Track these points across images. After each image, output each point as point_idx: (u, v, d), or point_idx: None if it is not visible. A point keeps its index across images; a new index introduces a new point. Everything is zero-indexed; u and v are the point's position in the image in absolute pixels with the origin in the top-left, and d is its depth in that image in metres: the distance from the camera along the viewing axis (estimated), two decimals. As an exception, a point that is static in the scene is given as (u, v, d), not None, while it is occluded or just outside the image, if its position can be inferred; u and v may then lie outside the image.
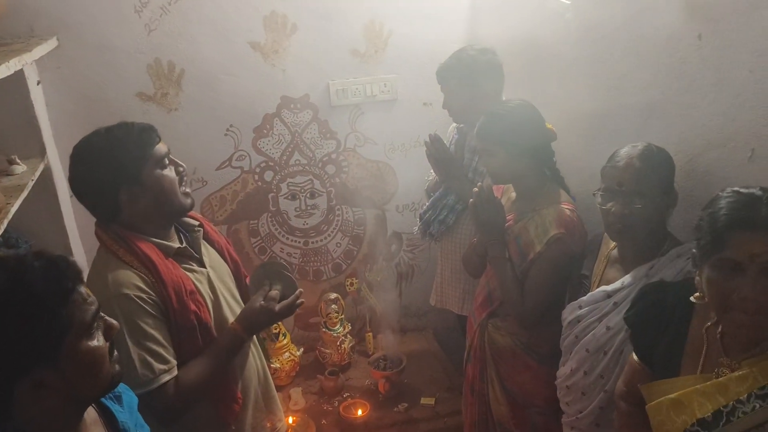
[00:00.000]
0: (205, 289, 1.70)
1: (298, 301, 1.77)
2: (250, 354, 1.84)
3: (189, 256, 1.71)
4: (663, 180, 1.62)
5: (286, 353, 2.87)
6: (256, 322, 1.72)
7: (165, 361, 1.54)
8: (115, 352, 1.14)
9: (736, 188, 1.22)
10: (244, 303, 1.83)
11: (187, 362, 1.60)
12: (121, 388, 1.29)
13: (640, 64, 1.88)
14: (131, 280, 1.52)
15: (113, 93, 2.58)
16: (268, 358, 1.96)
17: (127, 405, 1.27)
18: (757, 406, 1.18)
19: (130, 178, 1.56)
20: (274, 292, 1.74)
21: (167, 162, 1.62)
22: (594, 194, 1.69)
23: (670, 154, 1.65)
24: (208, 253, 1.80)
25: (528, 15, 2.48)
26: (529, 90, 2.39)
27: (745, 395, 1.20)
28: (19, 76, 2.19)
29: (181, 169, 1.67)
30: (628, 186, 1.60)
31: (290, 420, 2.60)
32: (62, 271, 1.04)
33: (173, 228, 1.71)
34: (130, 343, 1.49)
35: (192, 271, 1.69)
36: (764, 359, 1.21)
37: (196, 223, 1.80)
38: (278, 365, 2.82)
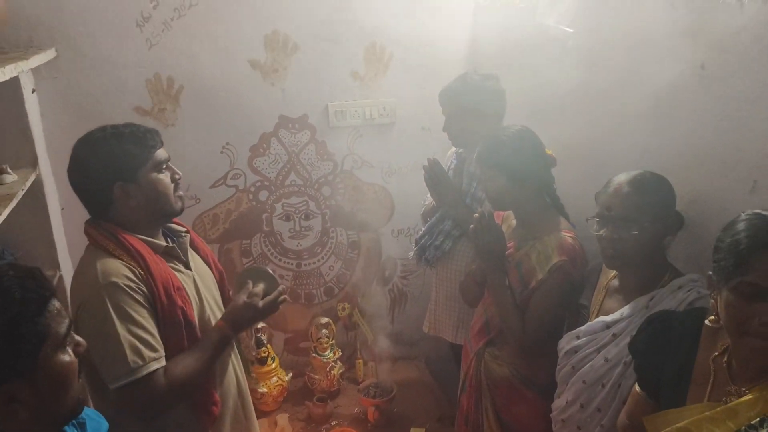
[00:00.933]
0: (190, 290, 1.70)
1: (281, 297, 1.79)
2: (230, 364, 1.83)
3: (176, 256, 1.73)
4: (656, 206, 1.60)
5: (274, 377, 2.81)
6: (241, 319, 1.73)
7: (154, 350, 1.54)
8: (80, 379, 1.10)
9: (757, 210, 1.19)
10: None
11: (173, 357, 1.59)
12: (88, 414, 1.25)
13: (641, 93, 1.87)
14: (121, 270, 1.54)
15: (110, 106, 2.57)
16: (248, 371, 1.94)
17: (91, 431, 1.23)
18: None
19: (126, 175, 1.59)
20: (257, 289, 1.76)
21: (165, 167, 1.66)
22: (587, 220, 1.69)
23: (672, 182, 1.63)
24: (194, 259, 1.81)
25: (528, 44, 2.49)
26: (529, 119, 2.38)
27: (757, 420, 1.15)
28: (14, 84, 2.18)
29: (177, 176, 1.71)
30: (616, 211, 1.60)
31: (275, 447, 2.53)
32: (38, 281, 1.03)
33: (160, 232, 1.73)
34: (120, 330, 1.49)
35: (178, 271, 1.70)
36: None
37: (183, 229, 1.82)
38: (265, 390, 2.76)
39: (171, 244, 1.72)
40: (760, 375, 1.18)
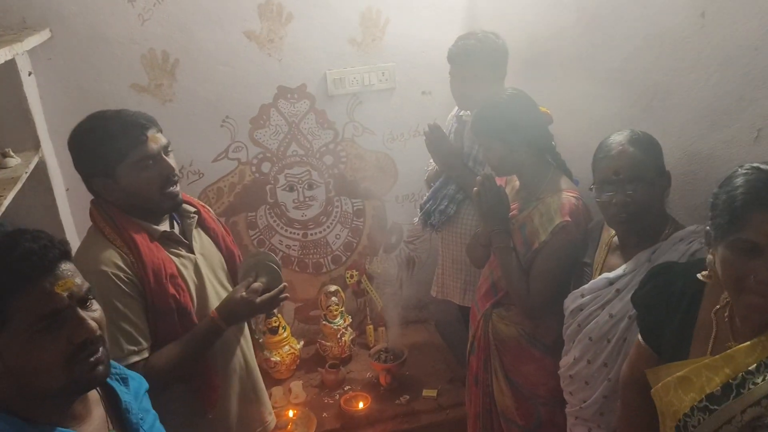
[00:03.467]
0: (189, 274, 1.69)
1: (282, 295, 1.77)
2: (234, 343, 1.83)
3: (176, 240, 1.71)
4: (655, 162, 1.60)
5: (286, 346, 2.84)
6: (236, 313, 1.71)
7: (135, 342, 1.54)
8: (95, 356, 1.07)
9: (755, 164, 1.16)
10: None
11: (163, 345, 1.60)
12: (130, 373, 1.27)
13: (642, 46, 1.84)
14: (111, 258, 1.54)
15: (107, 84, 2.55)
16: (261, 347, 1.95)
17: (133, 389, 1.24)
18: None
19: (104, 171, 1.57)
20: (257, 285, 1.73)
21: (151, 163, 1.59)
22: (590, 189, 1.66)
23: (673, 137, 1.62)
24: (201, 239, 1.79)
25: (528, 1, 2.44)
26: (530, 76, 2.36)
27: (754, 365, 1.15)
28: (11, 67, 2.16)
29: (166, 172, 1.62)
30: (625, 173, 1.57)
31: (291, 413, 2.58)
32: (23, 258, 1.00)
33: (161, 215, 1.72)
34: None
35: (178, 255, 1.69)
36: None
37: (192, 209, 1.79)
38: (278, 358, 2.80)
39: (170, 229, 1.69)
40: (760, 330, 1.17)
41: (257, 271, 1.77)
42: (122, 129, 1.56)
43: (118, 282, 1.52)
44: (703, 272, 1.27)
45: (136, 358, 1.53)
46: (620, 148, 1.59)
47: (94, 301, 1.10)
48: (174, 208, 1.69)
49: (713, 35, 1.59)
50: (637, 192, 1.56)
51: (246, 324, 1.90)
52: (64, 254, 1.05)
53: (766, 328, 1.17)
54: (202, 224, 1.82)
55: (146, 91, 2.61)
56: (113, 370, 1.19)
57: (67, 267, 1.05)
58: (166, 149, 1.64)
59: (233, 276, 1.88)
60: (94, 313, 1.08)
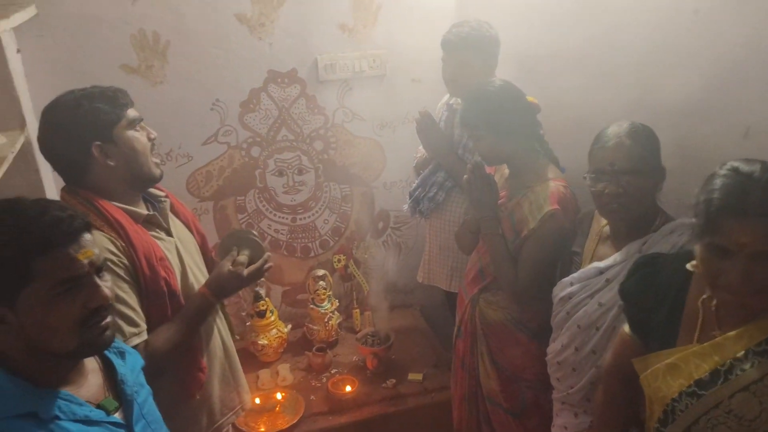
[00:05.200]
0: (173, 258, 1.70)
1: (267, 264, 1.80)
2: (215, 327, 1.85)
3: (157, 224, 1.71)
4: (652, 156, 1.62)
5: (274, 330, 2.85)
6: (225, 287, 1.74)
7: (135, 324, 1.54)
8: (105, 321, 1.15)
9: (735, 164, 1.20)
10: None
11: (155, 328, 1.61)
12: (127, 348, 1.33)
13: (633, 41, 1.87)
14: (102, 243, 1.51)
15: (96, 65, 2.51)
16: (232, 332, 1.97)
17: (129, 363, 1.29)
18: (756, 362, 1.18)
19: (103, 135, 1.56)
20: (242, 257, 1.76)
21: (138, 127, 1.63)
22: (584, 177, 1.68)
23: (665, 130, 1.64)
24: (175, 224, 1.80)
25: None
26: (521, 68, 2.37)
27: (743, 352, 1.20)
28: (-4, 44, 2.12)
29: (152, 136, 1.67)
30: (620, 164, 1.59)
31: (279, 396, 2.60)
32: (54, 224, 1.06)
33: (141, 198, 1.71)
34: None
35: (160, 239, 1.69)
36: (760, 319, 1.21)
37: (162, 194, 1.79)
38: (266, 342, 2.81)
39: (152, 212, 1.69)
40: (742, 322, 1.23)
41: (239, 245, 1.80)
42: (111, 94, 1.59)
43: (113, 267, 1.51)
44: (692, 262, 1.31)
45: (137, 340, 1.54)
46: (617, 139, 1.61)
47: (106, 273, 1.17)
48: (161, 176, 1.70)
49: (706, 32, 1.63)
50: (631, 184, 1.58)
51: (219, 307, 1.90)
52: (87, 226, 1.13)
53: (751, 317, 1.22)
54: (172, 209, 1.82)
55: (136, 72, 2.57)
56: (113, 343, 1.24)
57: (88, 237, 1.12)
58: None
59: (206, 260, 1.90)
60: (106, 283, 1.15)
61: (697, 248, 1.24)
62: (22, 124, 2.27)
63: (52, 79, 2.44)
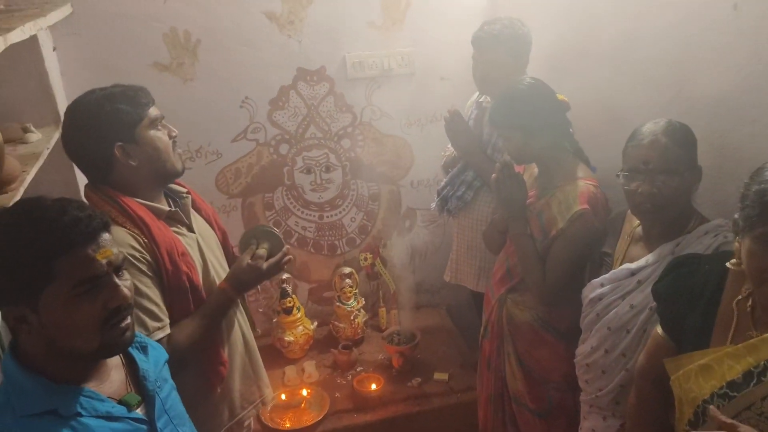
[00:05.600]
0: (195, 253, 1.71)
1: (286, 258, 1.81)
2: (235, 322, 1.86)
3: (179, 220, 1.73)
4: (688, 155, 1.58)
5: (300, 327, 2.87)
6: (245, 281, 1.75)
7: (158, 319, 1.56)
8: (125, 323, 1.15)
9: None
10: None
11: (178, 323, 1.62)
12: (151, 343, 1.34)
13: (670, 37, 1.83)
14: (124, 239, 1.53)
15: (129, 62, 2.55)
16: (253, 326, 1.99)
17: (152, 358, 1.30)
18: None
19: (125, 135, 1.57)
20: (261, 251, 1.78)
21: (160, 125, 1.64)
22: (617, 175, 1.64)
23: (701, 129, 1.61)
24: (196, 220, 1.81)
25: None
26: (553, 66, 2.34)
27: None
28: (33, 42, 2.16)
29: (174, 134, 1.68)
30: (655, 164, 1.56)
31: (304, 392, 2.61)
32: (73, 224, 1.06)
33: (162, 194, 1.72)
34: None
35: (182, 235, 1.70)
36: None
37: (184, 190, 1.81)
38: (292, 338, 2.83)
39: (174, 208, 1.71)
40: None
41: (258, 239, 1.81)
42: (132, 93, 1.60)
43: (135, 262, 1.53)
44: (732, 260, 1.27)
45: (160, 335, 1.56)
46: (653, 137, 1.57)
47: (125, 272, 1.17)
48: (183, 170, 1.71)
49: (745, 27, 1.58)
50: (666, 184, 1.55)
51: (240, 301, 1.91)
52: (105, 225, 1.13)
53: None
54: (194, 206, 1.83)
55: (168, 69, 2.60)
56: (136, 338, 1.25)
57: (107, 237, 1.12)
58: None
59: (228, 256, 1.92)
60: (126, 282, 1.15)
61: (741, 243, 1.20)
62: (57, 121, 2.31)
63: (86, 76, 2.48)
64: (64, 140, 1.62)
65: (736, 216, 1.23)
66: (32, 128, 2.13)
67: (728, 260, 1.30)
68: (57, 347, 1.09)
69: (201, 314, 1.67)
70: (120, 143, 1.57)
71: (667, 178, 1.55)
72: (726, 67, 1.65)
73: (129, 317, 1.16)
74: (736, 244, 1.23)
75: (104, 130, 1.56)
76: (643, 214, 1.65)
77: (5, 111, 2.23)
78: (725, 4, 1.62)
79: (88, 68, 2.50)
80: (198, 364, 1.71)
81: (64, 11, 2.34)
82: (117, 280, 1.12)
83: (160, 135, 1.63)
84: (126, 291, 1.13)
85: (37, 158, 1.98)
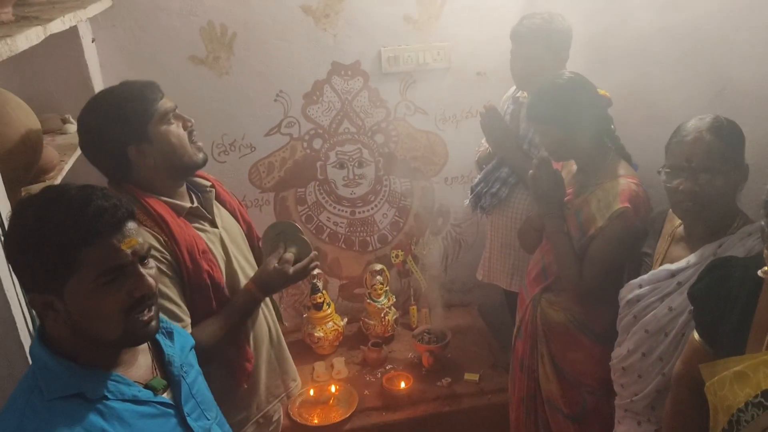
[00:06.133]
0: (217, 249, 1.70)
1: (312, 263, 1.80)
2: (261, 316, 1.85)
3: (201, 216, 1.71)
4: (736, 153, 1.52)
5: (330, 323, 2.86)
6: (271, 284, 1.74)
7: (179, 320, 1.55)
8: (150, 314, 1.15)
9: None
10: (257, 264, 1.86)
11: (201, 322, 1.62)
12: (177, 329, 1.35)
13: (715, 31, 1.76)
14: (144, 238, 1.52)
15: (166, 55, 2.57)
16: (280, 318, 1.98)
17: (178, 343, 1.31)
18: None
19: (137, 135, 1.56)
20: (289, 255, 1.76)
21: (172, 118, 1.61)
22: (659, 172, 1.60)
23: (746, 125, 1.54)
24: (220, 214, 1.80)
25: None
26: (594, 60, 2.28)
27: None
28: (73, 33, 2.20)
29: (189, 124, 1.65)
30: (698, 161, 1.51)
31: (333, 388, 2.60)
32: (98, 214, 1.06)
33: (185, 187, 1.71)
34: None
35: (204, 231, 1.69)
36: None
37: (208, 183, 1.79)
38: (322, 334, 2.82)
39: (195, 204, 1.69)
40: None
41: (285, 241, 1.80)
42: (138, 91, 1.57)
43: (155, 262, 1.52)
44: (764, 268, 1.22)
45: None
46: (697, 134, 1.52)
47: (151, 260, 1.17)
48: (204, 161, 1.68)
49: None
50: (709, 183, 1.50)
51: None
52: (130, 214, 1.12)
53: None
54: (218, 198, 1.82)
55: (204, 63, 2.62)
56: (161, 324, 1.26)
57: (132, 226, 1.12)
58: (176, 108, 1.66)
59: (253, 248, 1.90)
60: (151, 271, 1.15)
61: None
62: (95, 112, 2.34)
63: (124, 68, 2.53)
64: (80, 145, 1.62)
65: (762, 223, 1.19)
66: (71, 119, 2.17)
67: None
68: (82, 334, 1.10)
69: (225, 314, 1.66)
70: (133, 145, 1.56)
71: (710, 177, 1.50)
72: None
73: (153, 308, 1.16)
74: (766, 251, 1.19)
75: (116, 134, 1.54)
76: (684, 213, 1.60)
77: (46, 102, 2.28)
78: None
79: (126, 60, 2.54)
80: (223, 360, 1.70)
81: (104, 3, 2.38)
82: (142, 269, 1.12)
83: (173, 129, 1.60)
84: (151, 280, 1.13)
85: (74, 149, 2.01)
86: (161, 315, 1.28)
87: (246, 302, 1.71)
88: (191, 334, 1.56)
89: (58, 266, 1.05)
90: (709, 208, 1.54)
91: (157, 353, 1.27)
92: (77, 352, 1.12)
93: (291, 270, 1.74)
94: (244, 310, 1.71)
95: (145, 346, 1.24)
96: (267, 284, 1.73)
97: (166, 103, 1.60)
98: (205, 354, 1.57)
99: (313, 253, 1.81)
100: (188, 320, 1.58)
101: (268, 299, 1.91)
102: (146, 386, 1.19)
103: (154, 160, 1.58)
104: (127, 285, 1.10)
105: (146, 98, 1.57)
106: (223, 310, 1.66)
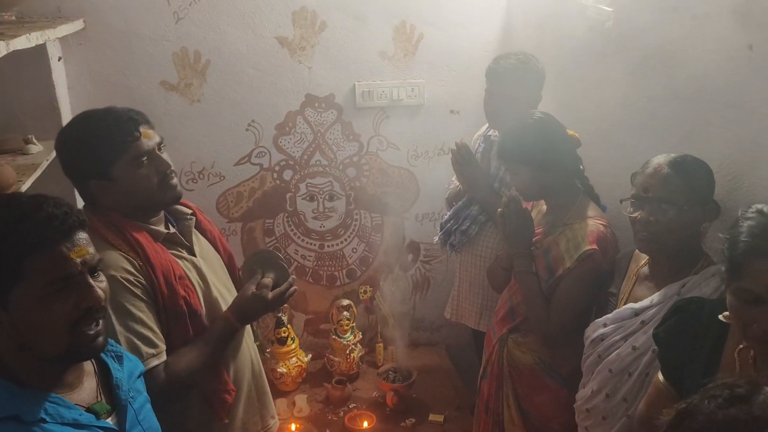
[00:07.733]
0: (194, 277, 1.65)
1: (291, 288, 1.75)
2: (244, 346, 1.79)
3: (178, 243, 1.67)
4: (695, 190, 1.54)
5: (294, 358, 2.79)
6: (249, 311, 1.69)
7: (153, 345, 1.50)
8: (97, 328, 1.12)
9: (761, 207, 1.16)
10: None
11: (176, 349, 1.56)
12: (126, 353, 1.31)
13: (683, 75, 1.79)
14: (119, 262, 1.48)
15: (137, 80, 2.56)
16: (262, 352, 1.90)
17: (127, 368, 1.27)
18: None
19: (99, 173, 1.51)
20: (267, 280, 1.72)
21: (146, 160, 1.53)
22: (621, 201, 1.63)
23: (713, 171, 1.56)
24: (199, 242, 1.75)
25: (565, 24, 2.41)
26: (563, 100, 2.31)
27: None
28: (41, 53, 2.17)
29: (164, 168, 1.56)
30: (654, 192, 1.55)
31: (293, 427, 2.52)
32: (47, 221, 1.04)
33: (162, 214, 1.66)
34: (117, 326, 1.45)
35: (181, 258, 1.64)
36: None
37: (189, 211, 1.74)
38: (285, 370, 2.75)
39: (172, 231, 1.65)
40: None
41: (263, 267, 1.76)
42: (114, 127, 1.49)
43: (130, 286, 1.47)
44: (725, 313, 1.23)
45: (156, 362, 1.49)
46: (657, 167, 1.57)
47: (101, 273, 1.14)
48: (175, 200, 1.63)
49: (760, 69, 1.55)
50: (663, 213, 1.53)
51: (249, 326, 1.85)
52: (82, 223, 1.10)
53: None
54: (198, 227, 1.77)
55: (175, 89, 2.60)
56: (109, 347, 1.22)
57: (83, 236, 1.10)
58: (159, 146, 1.58)
59: (234, 278, 1.85)
60: (101, 284, 1.12)
61: (727, 297, 1.18)
62: (60, 133, 2.30)
63: (93, 91, 2.51)
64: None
65: (722, 269, 1.21)
66: (34, 140, 2.13)
67: None
68: (26, 348, 1.06)
69: (202, 342, 1.60)
70: (95, 180, 1.52)
71: (666, 208, 1.53)
72: (740, 108, 1.61)
73: (101, 322, 1.12)
74: (728, 297, 1.20)
75: (79, 165, 1.52)
76: (640, 243, 1.62)
77: (9, 121, 2.24)
78: (740, 45, 1.59)
79: (96, 83, 2.51)
80: (203, 392, 1.64)
81: (76, 25, 2.36)
82: (91, 280, 1.09)
83: (141, 173, 1.52)
84: (100, 292, 1.10)
85: (34, 169, 1.97)
86: (110, 339, 1.24)
87: (223, 330, 1.65)
88: (167, 362, 1.52)
89: (2, 274, 1.01)
90: (666, 240, 1.55)
91: (104, 378, 1.22)
92: (19, 370, 1.07)
93: (270, 295, 1.69)
94: (223, 339, 1.65)
95: (91, 369, 1.20)
96: (245, 311, 1.68)
97: (142, 145, 1.52)
98: (181, 384, 1.53)
99: (292, 277, 1.77)
100: (163, 347, 1.52)
101: (249, 328, 1.85)
102: (88, 410, 1.13)
103: (116, 198, 1.53)
104: (74, 296, 1.06)
105: (119, 136, 1.50)
106: (200, 338, 1.60)
